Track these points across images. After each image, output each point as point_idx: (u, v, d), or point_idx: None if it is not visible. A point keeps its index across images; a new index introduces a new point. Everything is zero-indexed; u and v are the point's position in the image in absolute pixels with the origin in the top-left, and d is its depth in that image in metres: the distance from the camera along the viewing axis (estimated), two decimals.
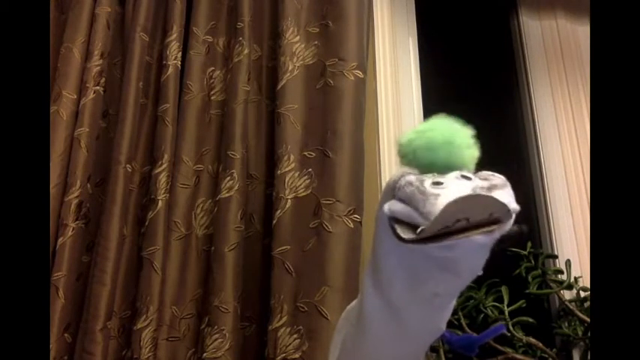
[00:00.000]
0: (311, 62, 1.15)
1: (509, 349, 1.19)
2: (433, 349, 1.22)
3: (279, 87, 1.12)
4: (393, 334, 0.63)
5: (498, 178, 0.53)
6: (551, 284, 1.28)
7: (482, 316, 1.24)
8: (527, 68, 1.62)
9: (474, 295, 1.24)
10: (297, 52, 1.16)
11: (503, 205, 0.49)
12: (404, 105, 1.41)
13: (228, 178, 1.07)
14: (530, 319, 1.22)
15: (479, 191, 0.50)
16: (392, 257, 0.57)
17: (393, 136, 1.34)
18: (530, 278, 1.28)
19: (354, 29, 1.14)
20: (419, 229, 0.50)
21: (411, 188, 0.52)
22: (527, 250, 1.31)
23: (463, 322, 1.21)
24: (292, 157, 1.07)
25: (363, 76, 1.11)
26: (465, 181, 0.51)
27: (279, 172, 1.06)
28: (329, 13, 1.17)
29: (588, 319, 1.24)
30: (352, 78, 1.10)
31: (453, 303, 0.62)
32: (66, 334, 1.04)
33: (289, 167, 1.06)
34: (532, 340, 1.21)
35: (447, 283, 0.56)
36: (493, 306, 1.23)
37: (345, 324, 0.71)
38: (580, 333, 1.27)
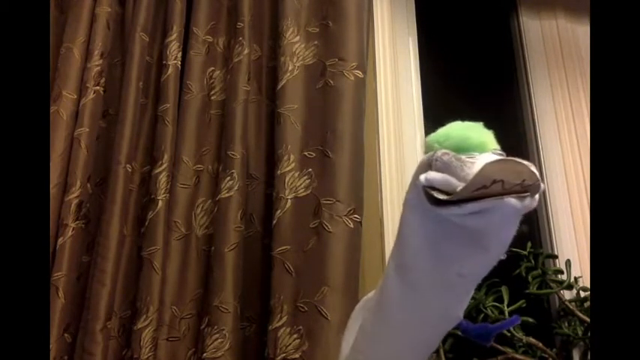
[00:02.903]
0: (311, 62, 1.15)
1: (509, 349, 1.19)
2: None
3: (279, 87, 1.12)
4: (412, 320, 0.63)
5: (520, 160, 0.55)
6: (551, 284, 1.28)
7: (482, 316, 1.24)
8: (527, 68, 1.62)
9: (474, 295, 1.24)
10: (297, 52, 1.16)
11: (534, 173, 0.51)
12: (404, 105, 1.41)
13: (228, 178, 1.07)
14: (530, 319, 1.22)
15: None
16: (418, 237, 0.57)
17: (393, 136, 1.34)
18: (530, 278, 1.28)
19: (354, 29, 1.14)
20: (457, 190, 0.51)
21: (448, 157, 0.54)
22: (527, 250, 1.31)
23: (463, 321, 1.21)
24: (292, 157, 1.07)
25: (363, 76, 1.11)
26: (495, 155, 0.54)
27: (279, 172, 1.06)
28: (329, 13, 1.17)
29: (588, 319, 1.24)
30: (352, 78, 1.10)
31: (473, 291, 0.62)
32: (66, 334, 1.04)
33: (289, 167, 1.06)
34: (532, 340, 1.21)
35: (474, 260, 0.57)
36: (493, 306, 1.23)
37: (362, 312, 0.71)
38: (580, 333, 1.27)
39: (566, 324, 1.30)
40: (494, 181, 0.50)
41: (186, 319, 1.04)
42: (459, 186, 0.51)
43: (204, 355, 0.97)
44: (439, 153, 0.55)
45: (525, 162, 0.52)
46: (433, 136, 0.59)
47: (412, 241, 0.58)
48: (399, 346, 0.65)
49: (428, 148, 0.58)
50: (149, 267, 1.03)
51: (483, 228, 0.54)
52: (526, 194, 0.51)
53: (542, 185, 0.53)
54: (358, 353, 0.69)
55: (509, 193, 0.51)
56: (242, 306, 1.02)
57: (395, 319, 0.64)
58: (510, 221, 0.54)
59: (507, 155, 0.57)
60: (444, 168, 0.54)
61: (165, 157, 1.11)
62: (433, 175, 0.54)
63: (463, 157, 0.53)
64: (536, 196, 0.53)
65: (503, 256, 0.57)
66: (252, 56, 1.19)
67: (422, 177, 0.54)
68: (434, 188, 0.54)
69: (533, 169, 0.52)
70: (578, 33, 1.67)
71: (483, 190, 0.50)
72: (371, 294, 0.70)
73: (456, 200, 0.51)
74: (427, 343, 0.67)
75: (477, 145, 0.56)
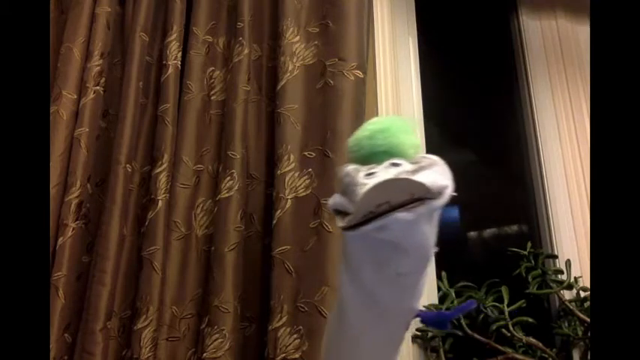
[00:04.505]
0: (311, 62, 1.15)
1: (509, 349, 1.19)
2: (433, 349, 1.22)
3: (279, 87, 1.12)
4: (369, 319, 0.65)
5: (428, 159, 0.59)
6: (551, 284, 1.28)
7: (482, 316, 1.24)
8: (527, 68, 1.62)
9: (474, 295, 1.24)
10: (297, 52, 1.16)
11: (421, 185, 0.53)
12: (404, 105, 1.41)
13: (228, 178, 1.07)
14: (530, 319, 1.22)
15: (402, 176, 0.55)
16: (357, 244, 0.60)
17: None
18: (530, 278, 1.28)
19: (354, 29, 1.14)
20: (347, 218, 0.56)
21: (347, 180, 0.58)
22: (527, 250, 1.31)
23: (463, 322, 1.21)
24: (292, 157, 1.07)
25: (363, 76, 1.11)
26: (393, 168, 0.57)
27: (279, 172, 1.06)
28: (329, 13, 1.16)
29: (588, 319, 1.24)
30: (352, 78, 1.10)
31: (423, 282, 0.65)
32: (66, 334, 1.04)
33: (289, 167, 1.06)
34: (532, 340, 1.21)
35: (404, 261, 0.60)
36: (493, 306, 1.23)
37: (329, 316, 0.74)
38: (580, 333, 1.27)
39: (566, 324, 1.30)
40: (380, 205, 0.54)
41: (186, 319, 1.04)
42: (352, 211, 0.55)
43: (204, 355, 0.97)
44: (342, 174, 0.59)
45: (418, 175, 0.54)
46: (352, 139, 0.63)
47: (354, 248, 0.61)
48: (363, 344, 0.67)
49: (348, 152, 0.63)
50: (149, 267, 1.03)
51: (392, 239, 0.57)
52: (417, 204, 0.54)
53: (439, 187, 0.55)
54: (329, 354, 0.72)
55: (399, 207, 0.54)
56: (242, 306, 1.02)
57: (354, 321, 0.66)
58: (412, 229, 0.57)
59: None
60: (345, 190, 0.58)
61: (165, 157, 1.11)
62: (336, 200, 0.59)
63: (361, 175, 0.56)
64: (445, 196, 0.56)
65: (435, 249, 0.61)
66: (252, 56, 1.19)
67: (330, 201, 0.60)
68: (339, 211, 0.58)
69: (426, 177, 0.54)
70: (578, 33, 1.67)
71: (371, 214, 0.54)
72: None
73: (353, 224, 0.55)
74: (391, 342, 0.68)
75: (384, 152, 0.59)
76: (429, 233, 0.59)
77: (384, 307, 0.64)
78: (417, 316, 0.67)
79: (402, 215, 0.54)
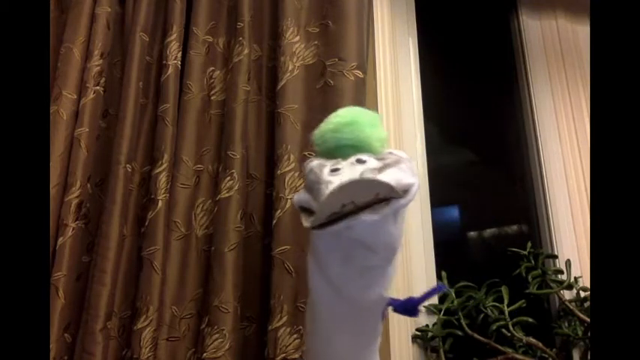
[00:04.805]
0: (311, 62, 1.15)
1: (509, 349, 1.20)
2: (433, 349, 1.22)
3: (279, 87, 1.12)
4: (340, 312, 0.65)
5: (394, 156, 0.58)
6: (551, 284, 1.28)
7: (482, 316, 1.24)
8: (527, 68, 1.62)
9: (474, 295, 1.24)
10: (297, 52, 1.16)
11: (386, 185, 0.53)
12: (404, 105, 1.41)
13: (228, 178, 1.07)
14: (530, 319, 1.22)
15: (367, 174, 0.53)
16: (324, 240, 0.60)
17: (393, 136, 1.34)
18: (530, 278, 1.28)
19: (354, 29, 1.14)
20: (311, 218, 0.55)
21: (311, 177, 0.57)
22: (527, 250, 1.31)
23: (463, 322, 1.21)
24: (292, 157, 1.07)
25: (363, 76, 1.11)
26: (358, 165, 0.55)
27: (279, 172, 1.06)
28: (329, 13, 1.17)
29: (588, 319, 1.24)
30: (352, 78, 1.10)
31: (391, 271, 0.64)
32: (66, 334, 1.04)
33: (289, 167, 1.06)
34: (532, 340, 1.21)
35: (370, 257, 0.60)
36: (493, 306, 1.23)
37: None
38: (580, 333, 1.27)
39: (566, 324, 1.30)
40: (344, 205, 0.53)
41: (186, 319, 1.04)
42: (316, 209, 0.55)
43: (204, 355, 0.97)
44: (307, 169, 0.58)
45: (378, 177, 0.53)
46: (317, 132, 0.61)
47: (321, 244, 0.61)
48: (336, 337, 0.67)
49: (314, 143, 0.61)
50: (149, 267, 1.03)
51: (358, 238, 0.57)
52: (382, 204, 0.54)
53: (405, 186, 0.54)
54: (308, 352, 0.72)
55: (365, 207, 0.53)
56: (242, 306, 1.02)
57: (326, 315, 0.66)
58: (380, 227, 0.56)
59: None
60: (310, 187, 0.57)
61: (165, 157, 1.11)
62: (300, 197, 0.58)
63: (325, 171, 0.55)
64: (411, 194, 0.55)
65: (400, 249, 0.61)
66: (252, 56, 1.19)
67: (295, 198, 0.59)
68: (304, 209, 0.57)
69: (391, 176, 0.53)
70: (578, 33, 1.67)
71: (335, 214, 0.54)
72: None
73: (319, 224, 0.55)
74: (365, 330, 0.68)
75: (350, 146, 0.58)
76: (395, 231, 0.58)
77: (352, 299, 0.63)
78: (388, 304, 0.66)
79: (366, 217, 0.54)
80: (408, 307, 0.68)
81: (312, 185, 0.56)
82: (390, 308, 0.67)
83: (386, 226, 0.57)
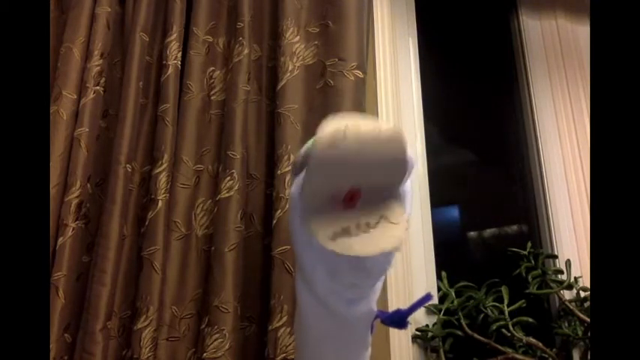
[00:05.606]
0: (311, 62, 1.15)
1: (509, 349, 1.20)
2: (433, 349, 1.22)
3: (279, 87, 1.12)
4: (328, 325, 0.65)
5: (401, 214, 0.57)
6: (551, 284, 1.28)
7: (482, 316, 1.24)
8: (527, 68, 1.62)
9: (474, 295, 1.24)
10: (297, 52, 1.16)
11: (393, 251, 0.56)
12: (404, 105, 1.41)
13: (228, 178, 1.07)
14: (530, 319, 1.22)
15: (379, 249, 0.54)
16: (310, 253, 0.60)
17: None
18: (530, 278, 1.28)
19: (354, 29, 1.14)
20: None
21: (299, 159, 0.59)
22: (527, 250, 1.32)
23: (463, 322, 1.21)
24: (292, 157, 1.07)
25: (363, 76, 1.11)
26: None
27: (279, 172, 1.06)
28: (329, 13, 1.17)
29: (588, 319, 1.24)
30: (352, 78, 1.10)
31: (378, 286, 0.65)
32: (66, 334, 1.04)
33: (289, 167, 1.06)
34: (532, 340, 1.21)
35: (358, 275, 0.60)
36: (493, 306, 1.23)
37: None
38: (580, 333, 1.27)
39: (566, 324, 1.30)
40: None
41: (186, 319, 1.04)
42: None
43: (204, 355, 0.97)
44: (295, 159, 0.60)
45: (388, 248, 0.54)
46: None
47: (307, 258, 0.61)
48: (323, 350, 0.68)
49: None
50: (149, 267, 1.03)
51: (361, 263, 0.57)
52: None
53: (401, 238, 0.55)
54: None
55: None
56: (242, 306, 1.02)
57: (314, 329, 0.67)
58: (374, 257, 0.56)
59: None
60: (299, 165, 0.59)
61: (165, 157, 1.10)
62: (298, 181, 0.59)
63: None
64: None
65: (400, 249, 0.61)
66: (252, 56, 1.19)
67: (293, 189, 0.60)
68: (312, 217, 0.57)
69: (391, 245, 0.54)
70: (578, 33, 1.67)
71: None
72: None
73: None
74: (353, 342, 0.68)
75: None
76: (389, 256, 0.60)
77: (339, 314, 0.64)
78: (376, 317, 0.66)
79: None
80: (396, 320, 0.68)
81: (300, 159, 0.59)
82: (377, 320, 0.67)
83: (379, 256, 0.57)
